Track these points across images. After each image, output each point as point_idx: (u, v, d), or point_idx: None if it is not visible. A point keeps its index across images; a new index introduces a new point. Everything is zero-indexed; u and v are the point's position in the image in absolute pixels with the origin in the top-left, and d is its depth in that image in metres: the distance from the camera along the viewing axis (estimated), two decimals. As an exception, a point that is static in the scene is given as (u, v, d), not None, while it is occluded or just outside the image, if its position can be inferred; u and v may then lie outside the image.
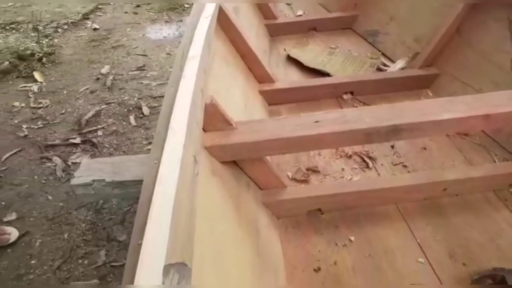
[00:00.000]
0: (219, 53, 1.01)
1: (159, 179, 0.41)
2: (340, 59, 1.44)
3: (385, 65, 1.37)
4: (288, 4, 1.87)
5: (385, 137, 0.75)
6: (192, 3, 1.08)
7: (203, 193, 0.58)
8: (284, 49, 1.52)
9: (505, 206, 0.86)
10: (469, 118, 0.75)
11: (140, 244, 0.45)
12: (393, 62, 1.39)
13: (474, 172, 0.90)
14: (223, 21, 1.06)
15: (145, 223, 0.47)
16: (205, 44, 0.80)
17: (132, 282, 0.39)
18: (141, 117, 2.13)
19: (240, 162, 0.79)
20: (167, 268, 0.32)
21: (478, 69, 1.15)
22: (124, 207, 1.52)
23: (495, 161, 0.98)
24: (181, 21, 3.44)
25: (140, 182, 0.94)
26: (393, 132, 0.74)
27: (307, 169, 0.98)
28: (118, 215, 1.49)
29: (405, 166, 0.98)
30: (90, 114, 2.12)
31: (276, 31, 1.63)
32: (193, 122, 0.56)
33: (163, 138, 0.60)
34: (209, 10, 0.94)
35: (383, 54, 1.47)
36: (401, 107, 0.79)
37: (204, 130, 0.71)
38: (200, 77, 0.70)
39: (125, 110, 2.18)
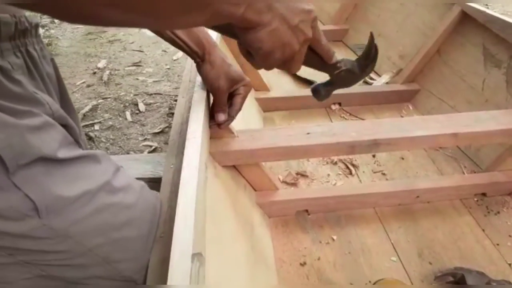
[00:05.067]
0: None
1: (181, 183, 0.51)
2: (331, 71, 1.54)
3: (371, 78, 1.49)
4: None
5: (367, 149, 0.86)
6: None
7: (208, 194, 0.67)
8: (279, 58, 1.62)
9: (469, 213, 0.98)
10: (440, 136, 0.86)
11: (162, 237, 0.55)
12: (379, 75, 1.50)
13: (444, 182, 1.01)
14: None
15: (165, 219, 0.56)
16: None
17: (160, 268, 0.49)
18: (137, 113, 2.20)
19: (239, 166, 0.89)
20: (193, 257, 0.41)
21: (454, 87, 1.27)
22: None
23: (463, 172, 1.10)
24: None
25: (142, 179, 1.03)
26: (373, 145, 0.85)
27: (297, 173, 1.08)
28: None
29: (384, 174, 1.09)
30: (87, 109, 2.19)
31: (272, 40, 1.72)
32: (205, 133, 0.65)
33: (177, 145, 0.70)
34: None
35: (370, 67, 1.59)
36: (381, 123, 0.90)
37: (210, 137, 0.81)
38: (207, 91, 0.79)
39: (121, 105, 2.25)
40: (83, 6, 0.29)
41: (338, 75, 0.64)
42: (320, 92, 0.70)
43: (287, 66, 0.54)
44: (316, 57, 0.59)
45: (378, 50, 0.65)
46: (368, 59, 0.65)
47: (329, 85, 0.69)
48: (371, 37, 0.64)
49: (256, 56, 0.49)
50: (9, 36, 0.52)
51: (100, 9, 0.30)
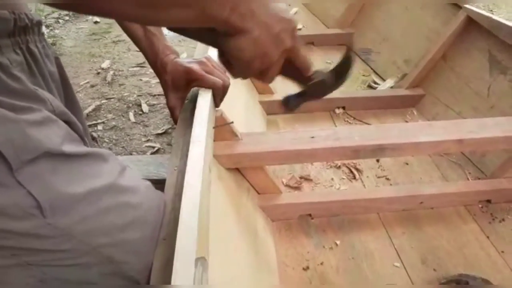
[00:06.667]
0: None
1: (185, 187, 0.51)
2: (335, 74, 1.54)
3: (375, 82, 1.48)
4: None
5: (371, 154, 0.86)
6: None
7: (211, 196, 0.67)
8: (283, 61, 1.62)
9: (473, 220, 0.97)
10: (444, 141, 0.86)
11: (165, 240, 0.55)
12: (383, 79, 1.50)
13: (448, 188, 1.00)
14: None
15: (168, 221, 0.56)
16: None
17: (163, 271, 0.48)
18: (140, 114, 2.20)
19: (242, 169, 0.88)
20: (196, 261, 0.41)
21: (459, 93, 1.26)
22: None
23: (468, 179, 1.09)
24: (181, 19, 3.50)
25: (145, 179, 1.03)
26: (378, 150, 0.85)
27: (300, 177, 1.08)
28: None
29: (387, 179, 1.09)
30: (90, 109, 2.19)
31: (277, 43, 1.73)
32: (209, 136, 0.65)
33: (181, 148, 0.70)
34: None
35: (374, 72, 1.58)
36: (386, 128, 0.89)
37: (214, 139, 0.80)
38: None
39: (125, 106, 2.25)
40: None
41: (311, 86, 0.63)
42: (290, 102, 0.69)
43: (263, 76, 0.53)
44: (293, 68, 0.56)
45: (353, 64, 0.62)
46: (342, 71, 0.64)
47: (301, 96, 0.67)
48: (348, 49, 0.62)
49: (235, 64, 0.49)
50: (8, 32, 0.52)
51: None
